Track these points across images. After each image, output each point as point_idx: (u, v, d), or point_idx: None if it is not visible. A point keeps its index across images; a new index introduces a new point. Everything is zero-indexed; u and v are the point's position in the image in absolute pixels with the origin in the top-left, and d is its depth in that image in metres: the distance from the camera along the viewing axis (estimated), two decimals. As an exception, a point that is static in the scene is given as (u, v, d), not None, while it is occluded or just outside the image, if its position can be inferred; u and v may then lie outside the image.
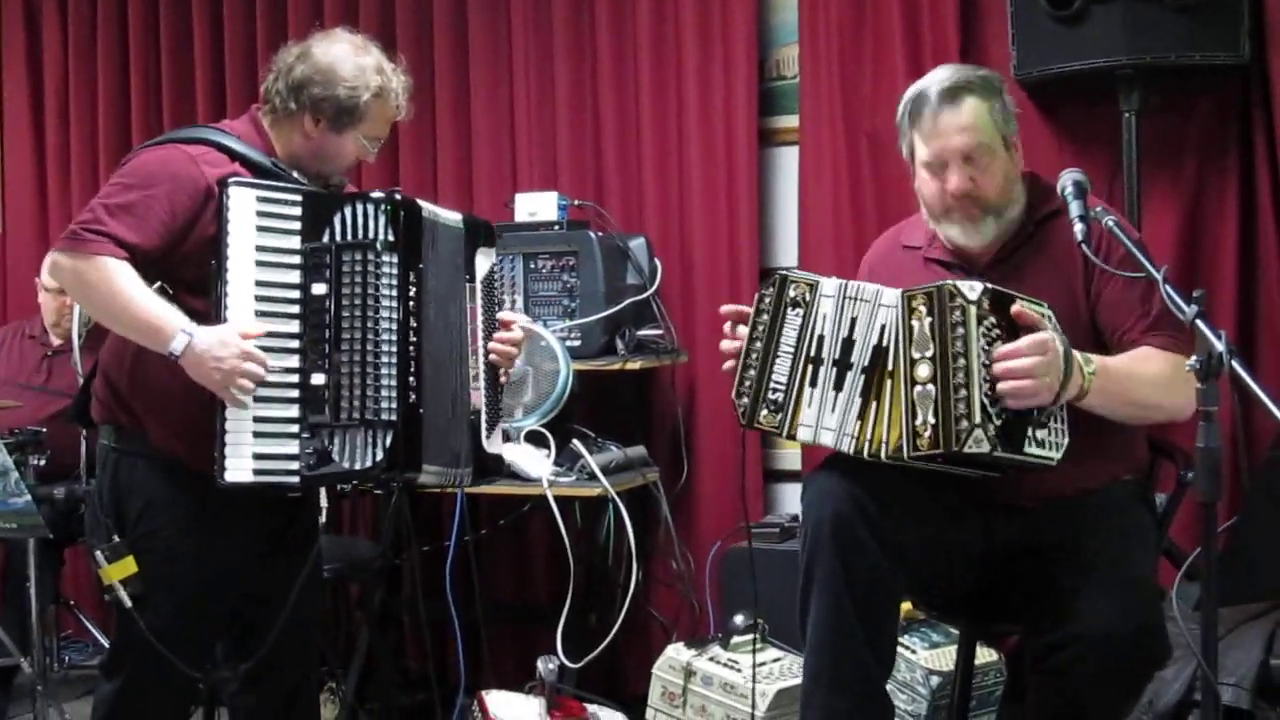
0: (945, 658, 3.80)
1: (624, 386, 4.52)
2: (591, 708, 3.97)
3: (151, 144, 3.07)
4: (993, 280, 3.02)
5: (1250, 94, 3.90)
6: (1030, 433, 2.69)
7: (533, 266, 4.40)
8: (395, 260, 2.84)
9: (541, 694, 3.82)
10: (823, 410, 2.82)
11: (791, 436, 2.86)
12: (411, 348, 2.85)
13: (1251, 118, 3.91)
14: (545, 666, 3.82)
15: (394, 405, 2.82)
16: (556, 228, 4.42)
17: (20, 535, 2.74)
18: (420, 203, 2.96)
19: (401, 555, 4.41)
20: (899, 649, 3.74)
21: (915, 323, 2.70)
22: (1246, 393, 2.31)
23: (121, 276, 2.82)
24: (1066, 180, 2.86)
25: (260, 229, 2.83)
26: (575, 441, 4.19)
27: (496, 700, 3.85)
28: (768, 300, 2.91)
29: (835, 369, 2.81)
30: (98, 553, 2.95)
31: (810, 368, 2.84)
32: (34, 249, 5.47)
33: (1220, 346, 2.28)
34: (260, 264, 2.84)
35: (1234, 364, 2.28)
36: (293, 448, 2.84)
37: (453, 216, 3.03)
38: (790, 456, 4.52)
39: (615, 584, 4.36)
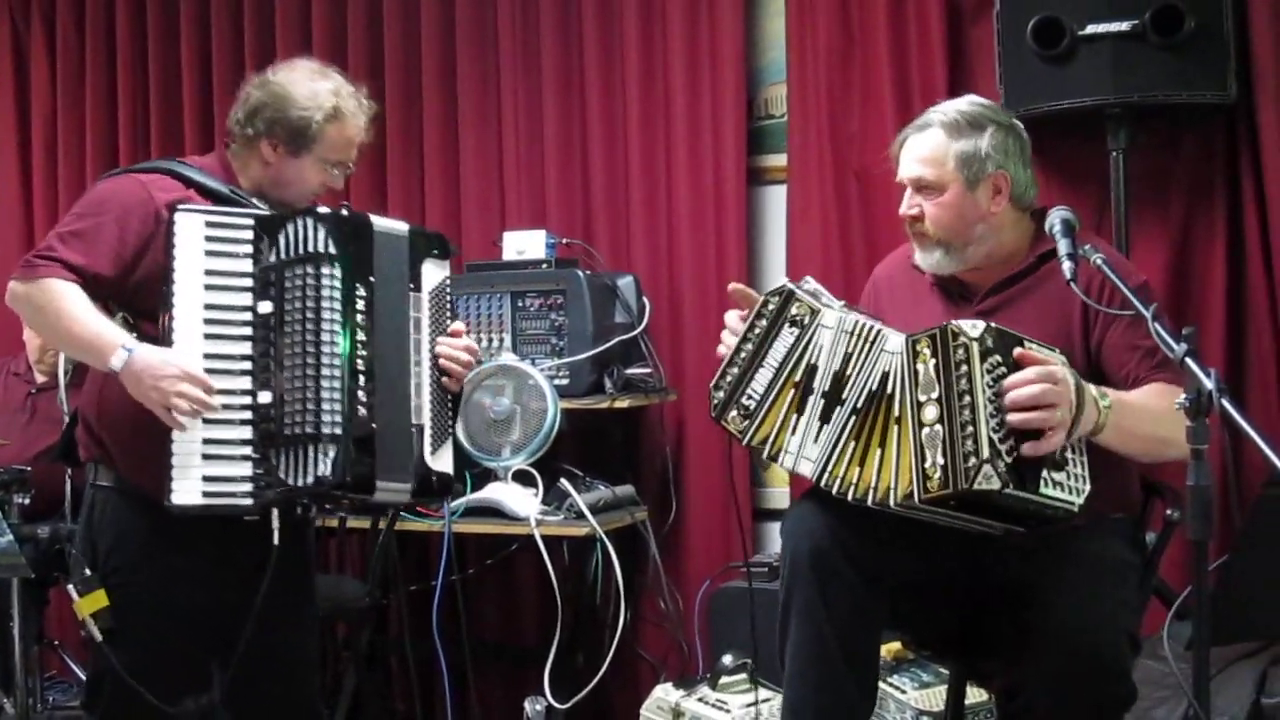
0: (935, 698, 3.77)
1: (612, 425, 4.50)
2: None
3: (109, 175, 3.12)
4: (986, 311, 3.04)
5: (1237, 132, 3.90)
6: (1045, 473, 2.63)
7: (520, 305, 4.39)
8: (337, 272, 2.82)
9: (528, 735, 3.80)
10: (805, 439, 2.82)
11: (772, 458, 2.86)
12: (361, 360, 2.82)
13: (1238, 155, 3.92)
14: (533, 707, 3.80)
15: (338, 419, 2.78)
16: (545, 266, 4.41)
17: (1, 575, 2.72)
18: (369, 216, 2.96)
19: (388, 595, 4.38)
20: (888, 689, 3.73)
21: (920, 366, 2.68)
22: (1237, 431, 2.30)
23: (67, 297, 2.84)
24: (1055, 218, 2.87)
25: (209, 253, 2.84)
26: (563, 480, 4.17)
27: (482, 741, 3.83)
28: (770, 308, 2.90)
29: (824, 400, 2.81)
30: (70, 587, 2.94)
31: (795, 394, 2.84)
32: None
33: (1210, 384, 2.27)
34: (210, 287, 2.84)
35: (1224, 402, 2.27)
36: (245, 469, 2.82)
37: (397, 227, 2.99)
38: (779, 495, 4.51)
39: (603, 624, 4.34)
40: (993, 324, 2.66)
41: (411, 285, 2.92)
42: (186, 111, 5.26)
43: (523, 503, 4.11)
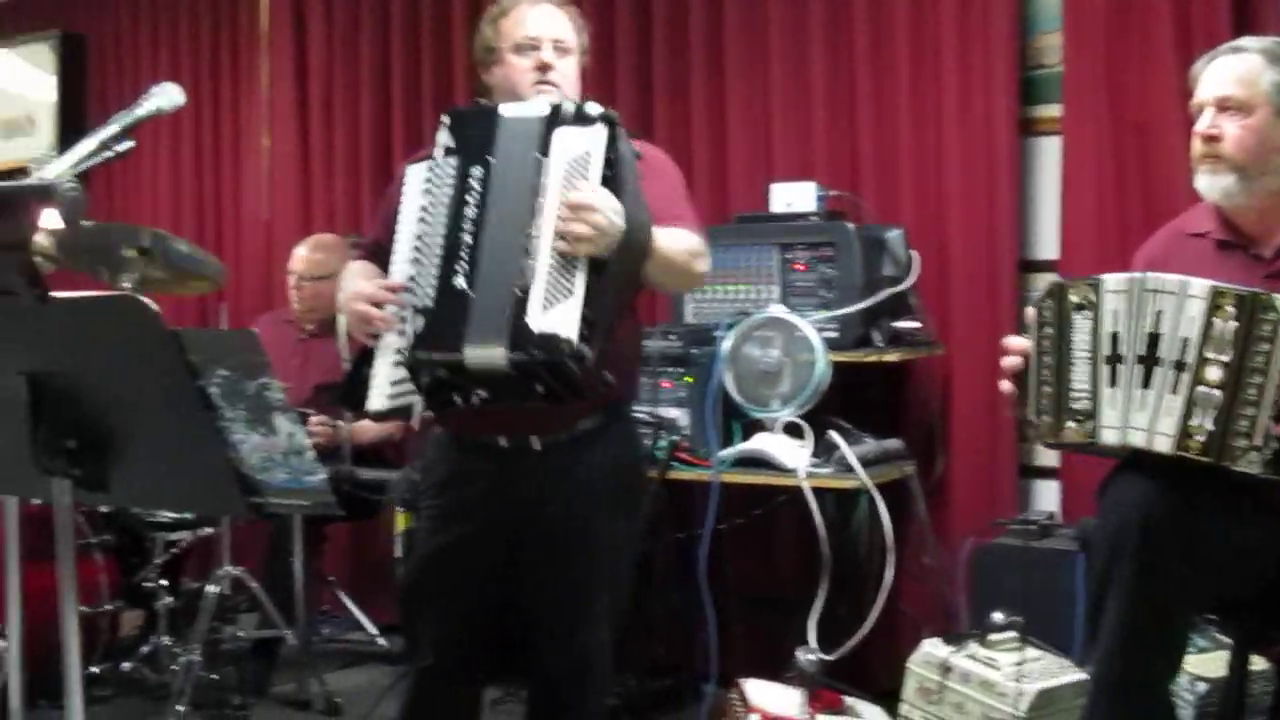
0: (1212, 664, 3.68)
1: (878, 379, 4.48)
2: (849, 700, 3.95)
3: None
4: (1278, 274, 2.95)
5: None
6: None
7: (789, 257, 4.39)
8: (453, 161, 2.88)
9: (801, 685, 3.81)
10: (1129, 409, 2.74)
11: (1097, 441, 2.79)
12: (467, 235, 2.83)
13: None
14: (805, 657, 3.81)
15: (430, 293, 2.83)
16: (813, 219, 4.40)
17: (314, 512, 2.83)
18: (485, 104, 3.04)
19: (653, 543, 4.44)
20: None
21: (1218, 321, 2.61)
22: None
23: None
24: None
25: (425, 192, 2.92)
26: (832, 433, 4.16)
27: (756, 689, 3.86)
28: (1048, 311, 2.85)
29: (1141, 366, 2.73)
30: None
31: (1108, 368, 2.76)
32: (297, 237, 5.64)
33: None
34: (420, 221, 2.91)
35: None
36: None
37: (533, 105, 2.96)
38: (1047, 453, 4.42)
39: (865, 577, 4.33)
40: None
41: (539, 154, 2.86)
42: (457, 71, 5.37)
43: (792, 454, 4.12)
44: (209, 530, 4.79)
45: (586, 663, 3.09)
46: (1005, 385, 2.94)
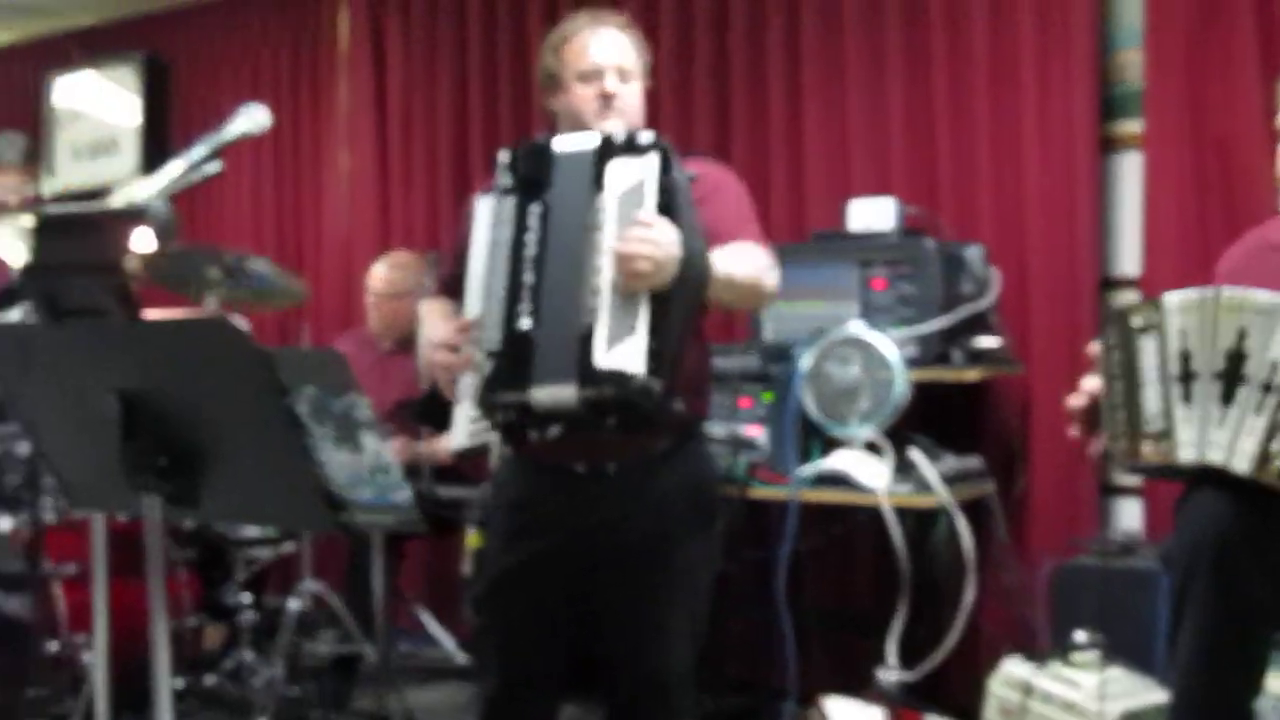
0: (1297, 684, 3.64)
1: (958, 396, 4.45)
2: (930, 719, 3.93)
3: None
4: None
5: None
6: None
7: (868, 274, 4.36)
8: (511, 200, 2.87)
9: (881, 703, 3.80)
10: (1206, 426, 2.71)
11: (1175, 461, 2.76)
12: (529, 276, 2.82)
13: None
14: (885, 676, 3.80)
15: (496, 336, 2.82)
16: (892, 236, 4.38)
17: (400, 529, 2.86)
18: (541, 139, 2.98)
19: (730, 561, 4.43)
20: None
21: None
22: None
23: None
24: None
25: (491, 225, 2.91)
26: (912, 451, 4.14)
27: (835, 708, 3.84)
28: (1113, 339, 2.83)
29: (1220, 382, 2.70)
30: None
31: (1180, 386, 2.74)
32: (376, 254, 5.69)
33: None
34: (488, 255, 2.91)
35: None
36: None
37: (585, 139, 2.94)
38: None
39: (945, 596, 4.30)
40: None
41: (595, 188, 2.85)
42: (534, 88, 5.38)
43: (871, 473, 4.10)
44: (290, 546, 4.84)
45: (664, 685, 3.07)
46: (1074, 431, 2.95)
